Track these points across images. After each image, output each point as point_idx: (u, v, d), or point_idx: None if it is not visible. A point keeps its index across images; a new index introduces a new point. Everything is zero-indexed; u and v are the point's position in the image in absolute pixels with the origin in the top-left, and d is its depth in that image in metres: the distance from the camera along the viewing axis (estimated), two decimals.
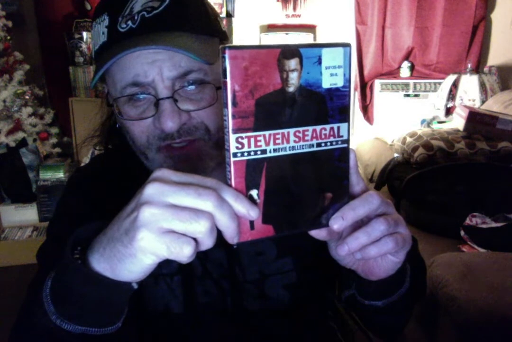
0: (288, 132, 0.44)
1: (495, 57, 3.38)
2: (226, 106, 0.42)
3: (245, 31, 3.50)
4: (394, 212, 0.52)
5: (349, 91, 0.47)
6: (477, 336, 1.35)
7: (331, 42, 0.45)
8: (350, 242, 0.48)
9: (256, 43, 1.93)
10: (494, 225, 1.81)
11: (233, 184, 0.43)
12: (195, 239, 0.42)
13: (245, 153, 0.43)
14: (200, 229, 0.41)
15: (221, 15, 1.68)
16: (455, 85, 3.02)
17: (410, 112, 3.37)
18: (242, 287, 0.73)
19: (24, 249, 2.22)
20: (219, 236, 0.43)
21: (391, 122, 3.41)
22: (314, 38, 3.51)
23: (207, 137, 0.66)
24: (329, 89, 0.45)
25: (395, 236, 0.50)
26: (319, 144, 0.46)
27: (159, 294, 0.72)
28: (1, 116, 2.63)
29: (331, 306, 0.87)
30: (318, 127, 0.46)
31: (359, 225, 0.50)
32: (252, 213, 0.43)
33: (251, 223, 0.44)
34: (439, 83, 3.25)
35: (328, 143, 0.47)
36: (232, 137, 0.42)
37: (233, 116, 0.42)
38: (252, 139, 0.43)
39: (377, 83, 3.54)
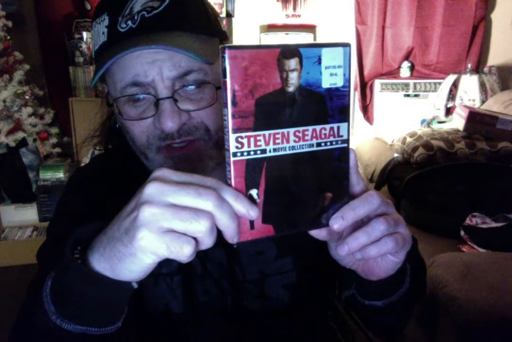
0: (288, 132, 0.44)
1: (495, 57, 3.38)
2: (226, 106, 0.42)
3: (245, 31, 3.50)
4: (394, 212, 0.52)
5: (349, 91, 0.47)
6: (477, 336, 1.35)
7: (331, 42, 0.45)
8: (350, 242, 0.48)
9: (256, 43, 1.93)
10: (494, 225, 1.81)
11: (233, 183, 0.43)
12: (195, 239, 0.42)
13: (245, 153, 0.43)
14: (200, 228, 0.41)
15: (221, 15, 1.68)
16: (455, 85, 3.02)
17: (410, 112, 3.37)
18: (242, 286, 0.73)
19: (24, 249, 2.21)
20: (219, 235, 0.43)
21: (391, 122, 3.41)
22: (314, 38, 3.51)
23: (207, 137, 0.66)
24: (329, 89, 0.45)
25: (395, 236, 0.50)
26: (319, 144, 0.46)
27: (159, 294, 0.72)
28: (1, 116, 2.63)
29: (331, 306, 0.87)
30: (318, 127, 0.46)
31: (359, 225, 0.50)
32: (252, 213, 0.43)
33: (251, 222, 0.44)
34: (439, 83, 3.25)
35: (328, 143, 0.47)
36: (232, 137, 0.42)
37: (233, 116, 0.42)
38: (252, 139, 0.43)
39: (377, 83, 3.54)
